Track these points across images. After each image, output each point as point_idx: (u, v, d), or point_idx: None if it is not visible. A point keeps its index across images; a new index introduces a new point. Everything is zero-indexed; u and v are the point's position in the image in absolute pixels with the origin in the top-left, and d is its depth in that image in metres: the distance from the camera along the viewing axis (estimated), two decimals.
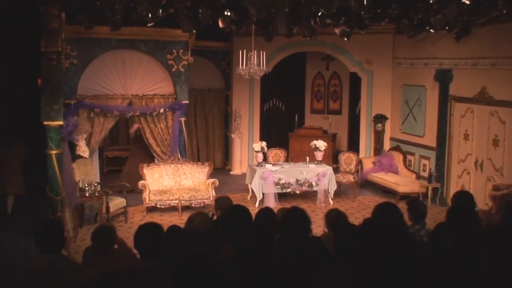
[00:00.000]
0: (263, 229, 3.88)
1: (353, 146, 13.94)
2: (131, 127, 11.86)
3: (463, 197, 5.12)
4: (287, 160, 12.38)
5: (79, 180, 9.14)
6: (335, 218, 4.84)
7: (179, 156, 10.96)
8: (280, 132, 14.95)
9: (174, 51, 10.98)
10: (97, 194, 9.11)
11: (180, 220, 8.91)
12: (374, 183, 12.07)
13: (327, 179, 10.91)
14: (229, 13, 7.78)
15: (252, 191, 10.85)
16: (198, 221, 4.42)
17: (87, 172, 9.62)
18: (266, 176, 10.65)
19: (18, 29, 8.98)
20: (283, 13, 7.66)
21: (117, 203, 9.49)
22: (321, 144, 11.43)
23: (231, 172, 13.75)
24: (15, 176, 8.97)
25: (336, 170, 11.77)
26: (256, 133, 13.85)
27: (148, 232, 3.72)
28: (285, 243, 3.71)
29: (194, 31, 10.31)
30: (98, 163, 11.04)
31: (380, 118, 12.82)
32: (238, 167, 13.70)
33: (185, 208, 10.18)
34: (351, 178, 11.63)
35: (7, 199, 9.02)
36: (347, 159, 12.10)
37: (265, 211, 4.64)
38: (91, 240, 4.75)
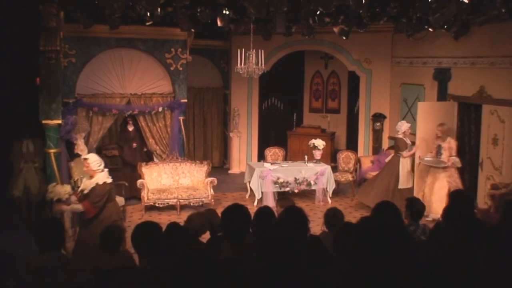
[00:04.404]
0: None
1: (352, 145, 13.93)
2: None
3: (460, 195, 5.12)
4: (285, 159, 12.38)
5: (77, 179, 9.12)
6: (332, 217, 4.85)
7: (178, 155, 10.96)
8: (278, 131, 14.94)
9: (173, 50, 10.97)
10: None
11: (179, 218, 8.90)
12: None
13: (326, 178, 10.92)
14: (227, 12, 7.80)
15: (251, 190, 10.87)
16: (198, 222, 4.66)
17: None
18: (265, 175, 10.65)
19: (16, 28, 8.96)
20: (281, 11, 7.68)
21: None
22: (319, 143, 11.43)
23: (229, 171, 13.74)
24: None
25: (334, 169, 11.78)
26: (255, 132, 13.84)
27: (145, 231, 3.72)
28: (283, 242, 3.70)
29: (193, 30, 10.31)
30: None
31: (378, 117, 12.82)
32: (236, 166, 13.71)
33: (184, 207, 10.19)
34: (349, 177, 11.64)
35: None
36: (345, 158, 12.10)
37: (264, 210, 4.63)
38: (100, 239, 4.66)
